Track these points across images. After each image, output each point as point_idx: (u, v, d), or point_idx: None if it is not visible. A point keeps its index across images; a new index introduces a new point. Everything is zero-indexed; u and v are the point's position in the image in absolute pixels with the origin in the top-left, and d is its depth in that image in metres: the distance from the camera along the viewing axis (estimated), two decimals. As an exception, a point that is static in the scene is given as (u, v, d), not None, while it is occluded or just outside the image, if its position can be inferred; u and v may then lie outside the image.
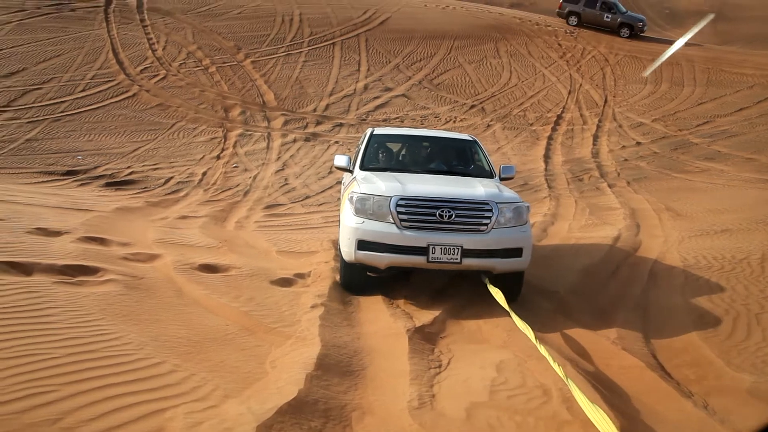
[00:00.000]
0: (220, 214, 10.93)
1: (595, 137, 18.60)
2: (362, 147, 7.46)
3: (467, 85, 22.13)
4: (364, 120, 18.71)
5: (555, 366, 3.91)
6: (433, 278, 6.64)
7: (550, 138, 18.42)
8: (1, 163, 13.86)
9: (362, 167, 7.04)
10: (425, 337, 4.68)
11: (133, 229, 7.81)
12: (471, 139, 7.84)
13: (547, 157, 16.83)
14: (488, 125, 19.18)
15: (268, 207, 11.99)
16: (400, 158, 7.74)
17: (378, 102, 20.05)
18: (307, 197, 12.99)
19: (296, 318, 4.75)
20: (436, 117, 19.47)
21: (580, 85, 22.91)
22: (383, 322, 5.02)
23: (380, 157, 7.49)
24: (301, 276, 6.23)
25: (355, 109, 19.45)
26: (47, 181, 12.90)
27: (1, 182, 12.16)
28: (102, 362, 3.33)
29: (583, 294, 6.42)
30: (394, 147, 8.01)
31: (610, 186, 14.12)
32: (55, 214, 8.02)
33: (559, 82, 22.97)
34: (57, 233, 6.36)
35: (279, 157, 15.68)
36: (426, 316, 5.26)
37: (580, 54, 25.78)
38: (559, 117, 20.15)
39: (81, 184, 12.85)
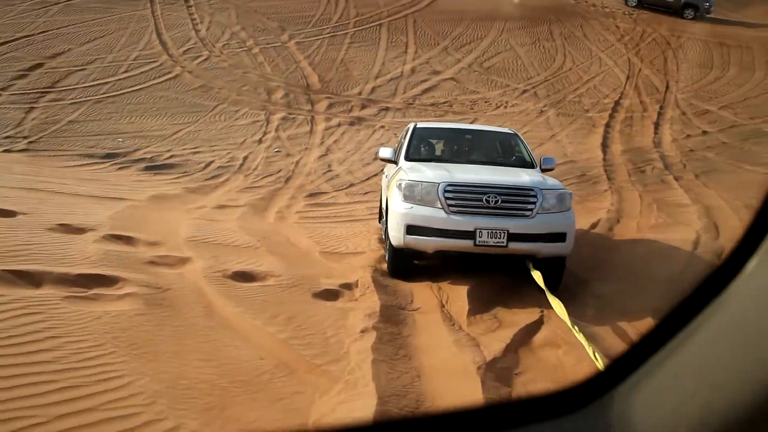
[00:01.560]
0: (261, 203, 10.34)
1: (657, 125, 17.36)
2: (406, 139, 7.57)
3: (519, 68, 21.01)
4: (411, 104, 17.87)
5: (589, 350, 3.90)
6: (487, 286, 5.95)
7: (607, 125, 17.24)
8: (42, 146, 13.55)
9: (407, 158, 7.12)
10: (499, 377, 3.84)
11: (165, 223, 7.20)
12: (512, 132, 8.19)
13: (605, 146, 15.71)
14: (541, 111, 18.12)
15: (311, 195, 11.35)
16: (443, 150, 7.96)
17: (426, 85, 19.15)
18: (352, 185, 12.33)
19: (344, 349, 3.98)
20: (486, 102, 18.49)
21: (640, 69, 21.54)
22: (446, 351, 4.22)
23: (423, 149, 7.67)
24: (347, 287, 5.52)
25: (402, 92, 18.60)
26: (87, 164, 12.50)
27: (41, 165, 11.81)
28: (97, 429, 2.62)
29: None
30: (436, 139, 8.20)
31: (676, 179, 13.01)
32: (85, 204, 7.50)
33: (617, 67, 21.64)
34: (81, 230, 5.77)
35: (322, 142, 15.02)
36: (494, 343, 4.46)
37: (639, 37, 24.30)
38: (617, 103, 18.90)
39: (120, 168, 12.42)
